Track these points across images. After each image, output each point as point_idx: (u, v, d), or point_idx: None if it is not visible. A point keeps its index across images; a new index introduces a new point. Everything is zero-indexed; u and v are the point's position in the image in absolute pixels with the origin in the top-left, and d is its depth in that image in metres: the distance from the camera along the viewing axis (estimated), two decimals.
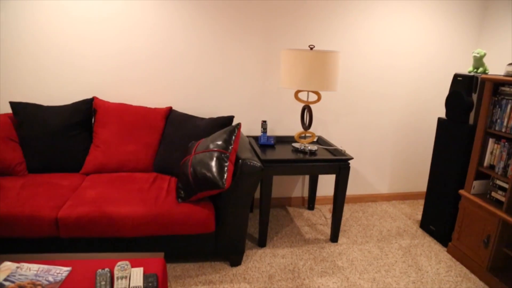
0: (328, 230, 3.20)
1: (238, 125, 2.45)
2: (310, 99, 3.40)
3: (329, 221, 3.38)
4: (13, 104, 2.80)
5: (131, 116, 2.88)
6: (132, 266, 1.76)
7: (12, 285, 1.59)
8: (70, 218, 2.22)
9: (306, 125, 3.00)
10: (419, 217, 3.55)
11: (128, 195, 2.41)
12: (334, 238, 3.01)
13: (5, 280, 1.63)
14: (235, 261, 2.61)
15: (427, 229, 3.22)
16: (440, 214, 3.05)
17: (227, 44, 3.17)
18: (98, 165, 2.76)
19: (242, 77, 3.27)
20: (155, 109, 2.97)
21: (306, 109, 2.98)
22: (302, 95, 3.36)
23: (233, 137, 2.40)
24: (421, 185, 3.96)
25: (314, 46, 2.83)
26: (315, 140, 3.32)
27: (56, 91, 3.07)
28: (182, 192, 2.39)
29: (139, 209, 2.28)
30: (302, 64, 2.66)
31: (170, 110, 3.02)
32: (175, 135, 2.82)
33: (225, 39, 3.15)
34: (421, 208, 3.76)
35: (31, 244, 2.30)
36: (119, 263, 1.72)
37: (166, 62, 3.13)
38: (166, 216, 2.29)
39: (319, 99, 2.88)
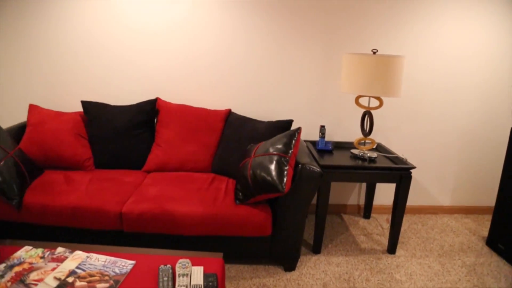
0: (385, 241, 3.09)
1: (299, 129, 2.43)
2: (372, 105, 3.31)
3: (386, 231, 3.26)
4: (84, 103, 2.97)
5: (191, 117, 2.95)
6: (193, 265, 1.79)
7: (83, 273, 1.68)
8: (133, 214, 2.31)
9: (366, 132, 2.92)
10: (485, 233, 3.33)
11: (188, 194, 2.47)
12: (391, 249, 2.90)
13: (77, 267, 1.72)
14: (289, 266, 2.59)
15: (494, 247, 3.01)
16: (511, 233, 2.84)
17: (287, 48, 3.16)
18: (159, 164, 2.86)
19: (301, 81, 3.25)
20: (215, 111, 3.02)
21: (367, 115, 2.90)
22: (363, 101, 3.28)
23: (293, 141, 2.38)
24: (488, 199, 3.71)
25: (377, 51, 2.75)
26: (374, 147, 3.22)
27: (123, 91, 3.23)
28: (240, 194, 2.41)
29: (198, 209, 2.32)
30: (365, 68, 2.59)
31: (229, 112, 3.06)
32: (233, 137, 2.85)
33: (285, 43, 3.15)
34: (488, 224, 3.53)
35: (97, 235, 2.42)
36: (180, 260, 1.76)
37: (227, 65, 3.18)
38: (224, 217, 2.32)
39: (381, 105, 2.79)
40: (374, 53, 2.69)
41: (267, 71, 3.21)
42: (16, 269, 1.70)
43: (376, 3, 3.11)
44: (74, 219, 2.35)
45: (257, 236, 2.40)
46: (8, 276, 1.65)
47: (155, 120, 3.03)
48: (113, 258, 1.81)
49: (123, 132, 2.88)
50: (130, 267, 1.76)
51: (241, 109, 3.28)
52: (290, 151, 2.35)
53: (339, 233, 3.20)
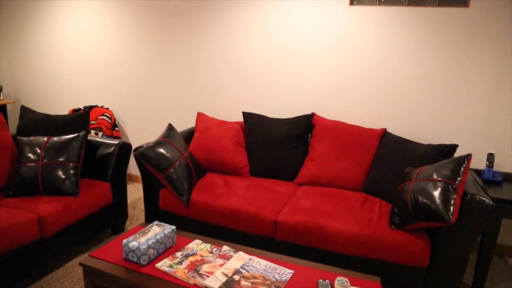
0: None
1: (469, 155, 2.22)
2: None
3: None
4: (245, 114, 3.20)
5: (345, 134, 2.94)
6: (351, 284, 1.76)
7: (247, 274, 1.79)
8: (287, 224, 2.39)
9: None
10: None
11: (341, 212, 2.44)
12: None
13: (242, 267, 1.83)
14: None
15: None
16: None
17: (450, 66, 2.93)
18: (310, 177, 2.90)
19: (467, 102, 2.97)
20: (369, 129, 2.96)
21: None
22: None
23: (462, 169, 2.18)
24: None
25: None
26: None
27: (281, 105, 3.39)
28: (396, 218, 2.29)
29: (352, 227, 2.28)
30: None
31: (384, 132, 2.96)
32: (389, 158, 2.74)
33: (448, 60, 2.92)
34: None
35: (250, 239, 2.56)
36: (339, 278, 1.74)
37: (382, 83, 3.09)
38: (378, 240, 2.23)
39: None
40: None
41: (427, 89, 3.01)
42: (191, 258, 1.90)
43: None
44: (232, 220, 2.54)
45: (411, 265, 2.25)
46: (185, 264, 1.85)
47: (309, 134, 3.10)
48: (273, 264, 1.89)
49: (279, 144, 3.01)
50: (289, 275, 1.81)
51: (396, 129, 3.14)
52: (458, 179, 2.15)
53: (504, 279, 2.81)
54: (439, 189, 2.13)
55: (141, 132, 4.22)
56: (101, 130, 3.95)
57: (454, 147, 2.60)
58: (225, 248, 2.01)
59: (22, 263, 2.32)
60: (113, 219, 2.98)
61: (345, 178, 2.84)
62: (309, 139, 3.10)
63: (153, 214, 2.87)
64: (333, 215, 2.40)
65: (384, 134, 2.95)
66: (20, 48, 4.94)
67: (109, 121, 4.05)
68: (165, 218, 2.81)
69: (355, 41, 3.10)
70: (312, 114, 3.09)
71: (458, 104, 2.99)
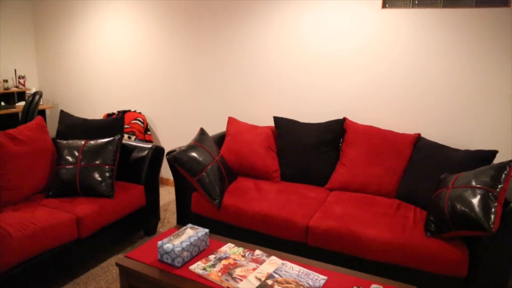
0: None
1: (511, 162, 2.14)
2: None
3: None
4: (276, 119, 3.20)
5: (378, 139, 2.89)
6: None
7: (280, 278, 1.78)
8: (319, 229, 2.37)
9: None
10: None
11: (374, 218, 2.40)
12: None
13: (274, 272, 1.83)
14: None
15: None
16: None
17: (490, 69, 2.83)
18: (342, 183, 2.87)
19: (508, 106, 2.86)
20: (403, 134, 2.90)
21: None
22: None
23: (503, 176, 2.10)
24: None
25: None
26: None
27: (312, 110, 3.38)
28: (432, 225, 2.23)
29: (386, 234, 2.24)
30: None
31: (418, 137, 2.90)
32: (423, 163, 2.68)
33: (487, 63, 2.83)
34: None
35: (281, 244, 2.55)
36: (373, 285, 1.71)
37: (416, 88, 3.02)
38: (413, 248, 2.18)
39: None
40: None
41: (464, 93, 2.93)
42: (224, 262, 1.91)
43: None
44: (263, 225, 2.54)
45: (448, 274, 2.18)
46: (218, 267, 1.86)
47: (341, 139, 3.07)
48: (306, 270, 1.88)
49: (310, 149, 2.99)
50: (322, 281, 1.79)
51: (431, 134, 3.06)
52: (499, 186, 2.08)
53: None
54: (479, 196, 2.06)
55: (172, 136, 4.29)
56: (134, 134, 4.05)
57: (493, 153, 2.51)
58: (257, 252, 2.02)
59: (61, 261, 2.39)
60: (145, 221, 3.04)
61: (378, 184, 2.79)
62: (340, 144, 3.07)
63: (184, 217, 2.91)
64: (366, 222, 2.36)
65: (418, 139, 2.89)
66: (58, 56, 5.14)
67: (142, 125, 4.14)
68: (197, 221, 2.84)
69: (387, 44, 3.05)
70: (344, 119, 3.06)
71: (498, 109, 2.89)
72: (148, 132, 4.19)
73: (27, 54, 5.39)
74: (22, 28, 5.30)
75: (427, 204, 2.54)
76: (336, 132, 3.01)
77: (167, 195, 4.09)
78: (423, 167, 2.67)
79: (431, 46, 2.93)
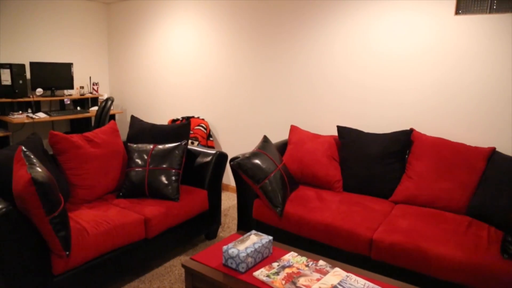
0: None
1: None
2: None
3: None
4: (339, 128, 3.16)
5: (448, 152, 2.76)
6: None
7: None
8: (384, 243, 2.29)
9: None
10: None
11: (443, 235, 2.29)
12: None
13: (339, 284, 1.80)
14: None
15: None
16: None
17: None
18: (408, 196, 2.77)
19: None
20: (476, 148, 2.74)
21: None
22: None
23: None
24: None
25: None
26: None
27: (376, 120, 3.30)
28: (511, 247, 2.08)
29: (456, 253, 2.12)
30: None
31: (493, 151, 2.72)
32: (499, 180, 2.51)
33: None
34: None
35: (342, 256, 2.50)
36: None
37: (490, 98, 2.85)
38: (488, 270, 2.04)
39: None
40: None
41: None
42: (287, 270, 1.91)
43: None
44: (325, 235, 2.51)
45: None
46: (282, 275, 1.86)
47: (407, 151, 2.96)
48: (371, 284, 1.83)
49: (374, 160, 2.92)
50: None
51: (507, 148, 2.87)
52: None
53: None
54: None
55: (233, 142, 4.38)
56: (196, 139, 4.18)
57: None
58: (321, 262, 1.99)
59: (129, 259, 2.52)
60: (207, 225, 3.12)
61: (447, 199, 2.65)
62: (406, 156, 2.96)
63: (245, 223, 2.95)
64: (434, 238, 2.25)
65: (492, 153, 2.72)
66: (127, 63, 5.46)
67: (205, 131, 4.27)
68: (258, 227, 2.86)
69: (459, 52, 2.91)
70: (411, 130, 2.95)
71: None
72: (211, 138, 4.31)
73: (100, 62, 5.78)
74: (97, 38, 5.70)
75: (503, 224, 2.38)
76: (402, 143, 2.91)
77: (227, 201, 4.16)
78: (499, 184, 2.50)
79: (507, 53, 2.76)
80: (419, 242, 2.22)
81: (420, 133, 2.94)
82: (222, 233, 3.38)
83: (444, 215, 2.57)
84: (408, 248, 2.22)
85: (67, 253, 2.10)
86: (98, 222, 2.39)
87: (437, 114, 3.05)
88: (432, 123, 3.08)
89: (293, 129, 3.39)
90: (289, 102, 3.82)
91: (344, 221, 2.48)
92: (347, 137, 3.09)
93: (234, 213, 3.82)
